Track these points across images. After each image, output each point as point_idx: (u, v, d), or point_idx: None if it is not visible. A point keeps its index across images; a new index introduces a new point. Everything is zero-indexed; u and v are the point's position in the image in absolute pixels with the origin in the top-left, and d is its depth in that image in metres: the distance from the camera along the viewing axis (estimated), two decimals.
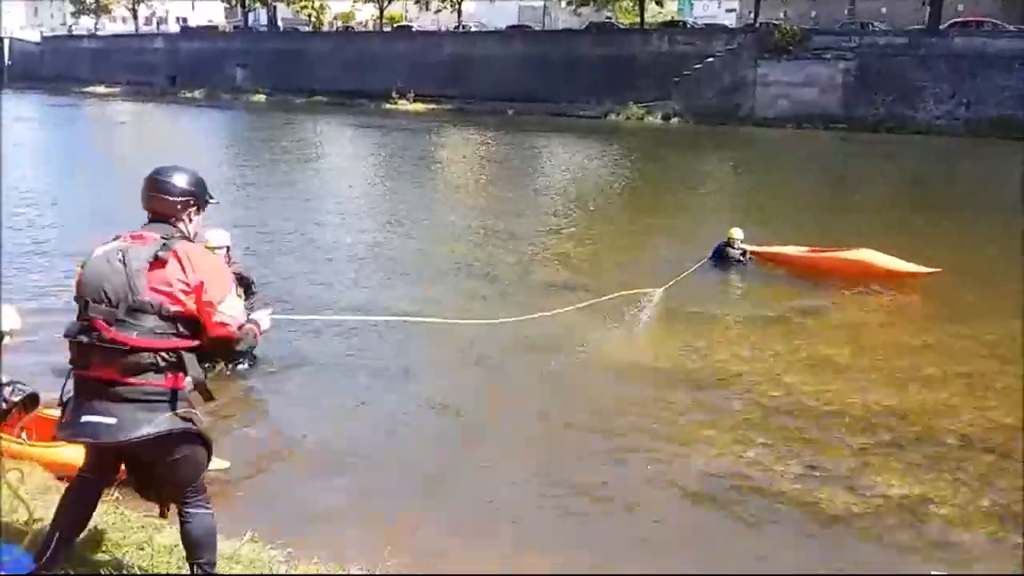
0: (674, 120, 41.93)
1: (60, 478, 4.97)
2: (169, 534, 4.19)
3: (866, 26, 45.17)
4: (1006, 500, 6.22)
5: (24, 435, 6.06)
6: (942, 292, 11.94)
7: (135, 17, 78.64)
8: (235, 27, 76.94)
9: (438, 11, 64.85)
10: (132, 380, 3.33)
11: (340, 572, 4.45)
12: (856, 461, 6.84)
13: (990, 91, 36.35)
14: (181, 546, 3.67)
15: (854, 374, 8.80)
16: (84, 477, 3.65)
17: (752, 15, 50.39)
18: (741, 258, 12.98)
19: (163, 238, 3.46)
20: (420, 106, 50.30)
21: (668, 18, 57.47)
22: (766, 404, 8.00)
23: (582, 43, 50.03)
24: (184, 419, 3.42)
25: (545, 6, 65.31)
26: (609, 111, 43.66)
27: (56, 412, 4.03)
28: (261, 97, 57.94)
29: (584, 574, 5.31)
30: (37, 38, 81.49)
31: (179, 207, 3.59)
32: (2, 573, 3.55)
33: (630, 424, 7.56)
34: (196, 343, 3.45)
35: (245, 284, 8.37)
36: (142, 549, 4.16)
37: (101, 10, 79.92)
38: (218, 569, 3.72)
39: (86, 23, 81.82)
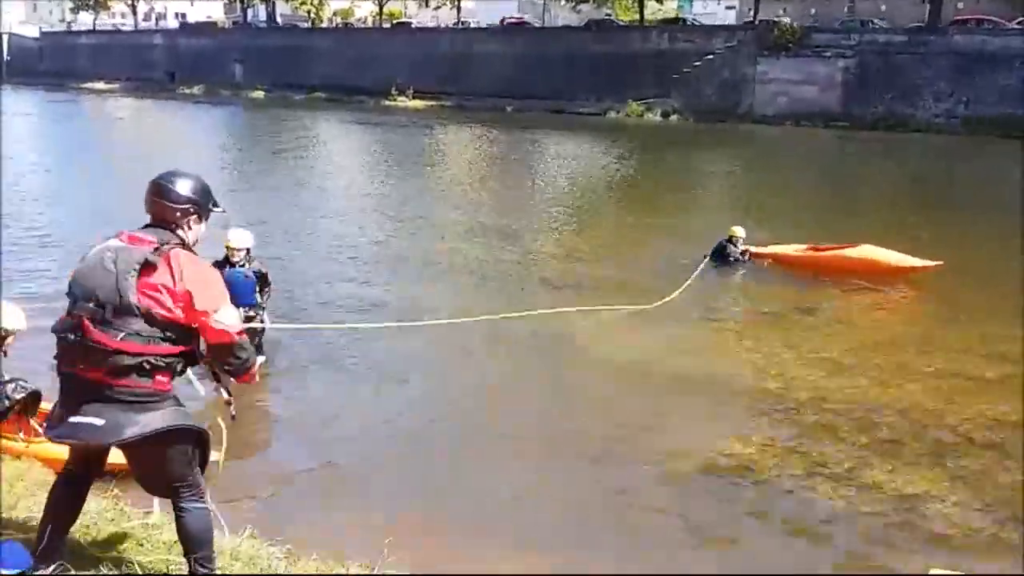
0: (673, 117, 41.90)
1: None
2: (168, 530, 4.18)
3: (866, 24, 45.10)
4: (1006, 497, 6.22)
5: (22, 432, 6.06)
6: (942, 290, 11.94)
7: (134, 13, 78.47)
8: (234, 23, 76.82)
9: (437, 7, 64.81)
10: (118, 381, 3.30)
11: (340, 569, 4.44)
12: (856, 458, 6.84)
13: (989, 89, 36.31)
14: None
15: (854, 371, 8.81)
16: (71, 471, 3.64)
17: (752, 12, 50.31)
18: (740, 256, 12.98)
19: (159, 243, 3.42)
20: (419, 103, 50.25)
21: (668, 15, 57.42)
22: (766, 401, 8.01)
23: (582, 40, 49.94)
24: (172, 418, 3.40)
25: (545, 3, 65.18)
26: (608, 108, 43.61)
27: None
28: (260, 93, 57.87)
29: (585, 574, 5.30)
30: (36, 34, 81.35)
31: (179, 214, 3.56)
32: (2, 571, 3.54)
33: (630, 422, 7.56)
34: (183, 349, 3.43)
35: (263, 280, 8.38)
36: (141, 545, 4.15)
37: (100, 6, 79.73)
38: (218, 566, 3.72)
39: (85, 19, 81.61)
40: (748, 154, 30.80)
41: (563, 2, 58.00)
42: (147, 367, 3.32)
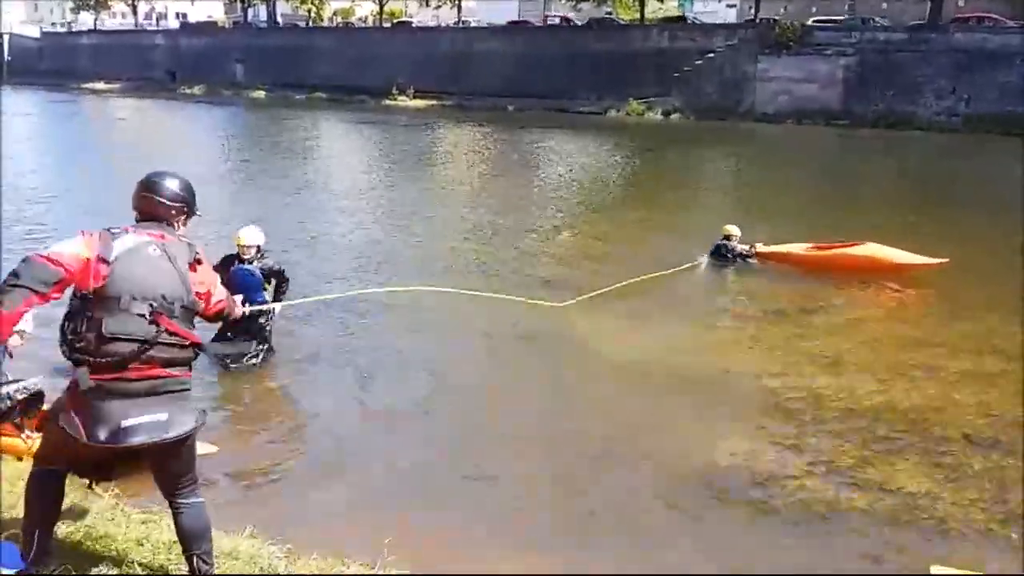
0: (674, 116, 41.89)
1: None
2: (167, 529, 4.19)
3: (867, 21, 45.08)
4: (1009, 497, 6.21)
5: (25, 432, 6.06)
6: (945, 288, 11.93)
7: (135, 13, 78.52)
8: (235, 23, 76.85)
9: (438, 7, 64.80)
10: (173, 373, 3.44)
11: (340, 568, 4.45)
12: (858, 457, 6.83)
13: (990, 87, 36.29)
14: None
15: (855, 369, 8.80)
16: (53, 470, 3.58)
17: (752, 10, 50.30)
18: (742, 254, 12.94)
19: (186, 241, 3.60)
20: (420, 102, 50.26)
21: (669, 14, 57.41)
22: (768, 400, 8.00)
23: (582, 39, 49.93)
24: (198, 410, 3.60)
25: (545, 1, 65.23)
26: (609, 107, 43.59)
27: None
28: (261, 93, 57.89)
29: (585, 574, 5.30)
30: (37, 34, 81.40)
31: (173, 211, 3.66)
32: (2, 571, 3.55)
33: (630, 422, 7.56)
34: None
35: (278, 276, 8.40)
36: (141, 544, 4.16)
37: (100, 6, 79.78)
38: (218, 565, 3.72)
39: (86, 19, 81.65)
40: (749, 152, 30.80)
41: (563, 1, 57.99)
42: (189, 357, 3.52)
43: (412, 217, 17.23)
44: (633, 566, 5.36)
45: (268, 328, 8.47)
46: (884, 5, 52.83)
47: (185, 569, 3.67)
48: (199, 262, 3.57)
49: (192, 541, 3.59)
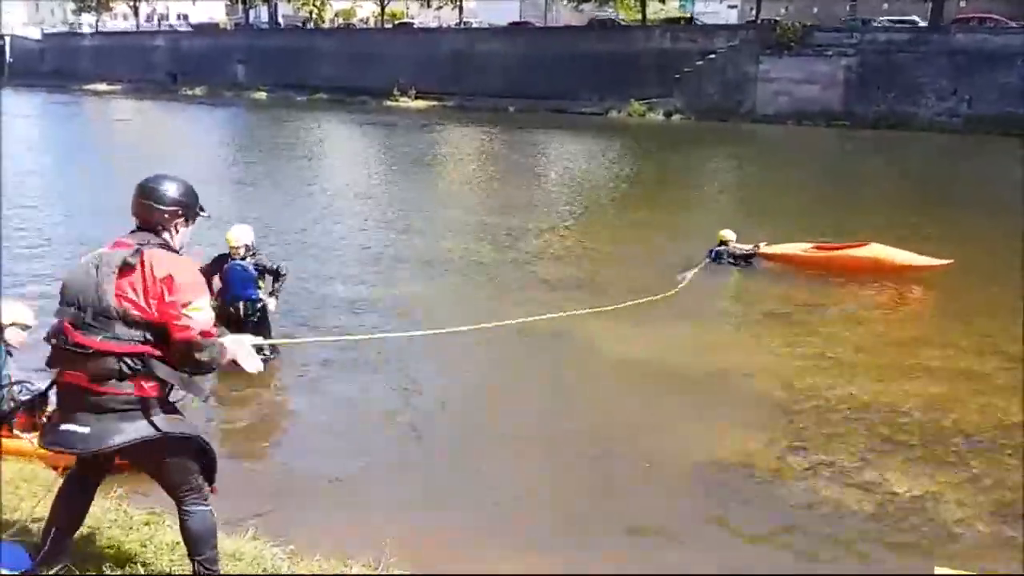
0: (676, 117, 41.89)
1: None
2: (171, 531, 4.20)
3: (868, 22, 45.09)
4: (1011, 497, 6.22)
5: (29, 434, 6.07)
6: (947, 289, 11.93)
7: (136, 14, 78.57)
8: (236, 24, 76.88)
9: (439, 8, 64.81)
10: (102, 387, 3.29)
11: (342, 570, 4.46)
12: (860, 457, 6.84)
13: (991, 88, 36.29)
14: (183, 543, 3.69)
15: (858, 370, 8.81)
16: (75, 475, 3.66)
17: (753, 11, 50.30)
18: (745, 256, 12.90)
19: (138, 244, 3.43)
20: (422, 103, 50.27)
21: (671, 15, 57.38)
22: (770, 401, 8.01)
23: (584, 40, 49.93)
24: (159, 426, 3.35)
25: (546, 2, 65.18)
26: (611, 108, 43.60)
27: None
28: (262, 94, 57.92)
29: (585, 574, 5.31)
30: (38, 35, 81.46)
31: (167, 216, 3.56)
32: (2, 571, 3.56)
33: (631, 422, 7.56)
34: (163, 350, 3.38)
35: (273, 272, 8.42)
36: (144, 546, 4.16)
37: (102, 7, 79.83)
38: (220, 566, 3.73)
39: (87, 20, 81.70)
40: (751, 153, 30.80)
41: (565, 2, 57.99)
42: (128, 371, 3.29)
43: (413, 218, 17.23)
44: (633, 566, 5.36)
45: (268, 324, 8.50)
46: (885, 6, 52.81)
47: (189, 571, 3.68)
48: (129, 268, 3.33)
49: (194, 547, 3.58)
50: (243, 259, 8.26)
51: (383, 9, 65.60)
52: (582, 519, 5.96)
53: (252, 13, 75.70)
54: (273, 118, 43.32)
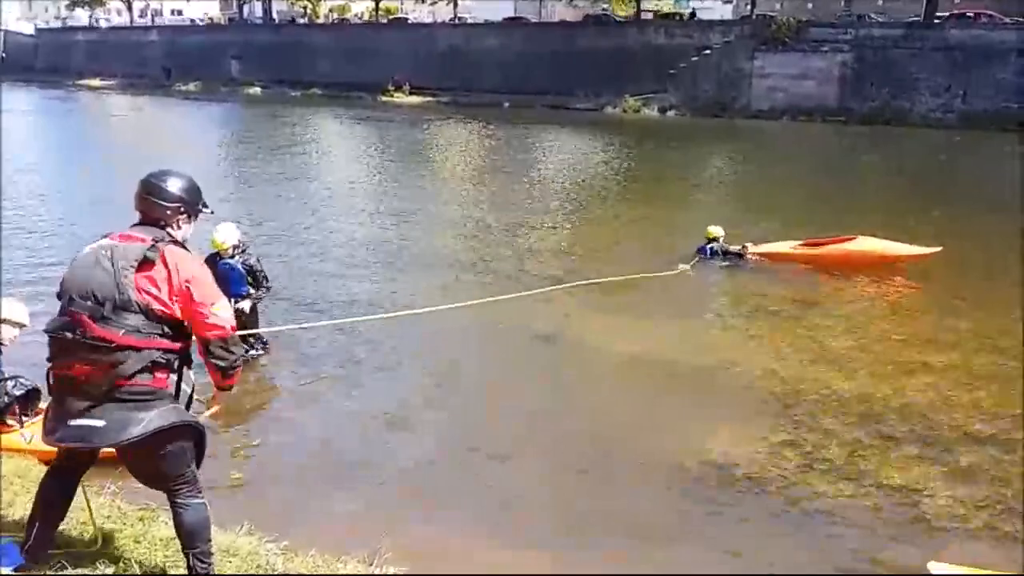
0: (670, 113, 41.85)
1: None
2: (165, 527, 4.19)
3: (863, 18, 45.08)
4: (1007, 493, 6.23)
5: (22, 429, 6.07)
6: (942, 283, 11.96)
7: (129, 9, 78.23)
8: (230, 19, 76.62)
9: (434, 3, 64.66)
10: (120, 380, 3.31)
11: (337, 566, 4.45)
12: (854, 452, 6.85)
13: (986, 83, 36.30)
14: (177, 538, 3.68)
15: (852, 365, 8.82)
16: (60, 466, 3.65)
17: (749, 7, 50.27)
18: (737, 253, 12.91)
19: (153, 240, 3.46)
20: (416, 98, 50.14)
21: (665, 11, 57.36)
22: (764, 396, 8.02)
23: (579, 36, 49.85)
24: (171, 416, 3.43)
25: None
26: (606, 104, 43.51)
27: None
28: (256, 90, 57.72)
29: (585, 574, 5.31)
30: (31, 30, 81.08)
31: (170, 212, 3.60)
32: (2, 570, 3.56)
33: (630, 420, 7.57)
34: (180, 345, 3.47)
35: (255, 276, 8.43)
36: (138, 542, 4.16)
37: (95, 3, 79.47)
38: (215, 561, 3.72)
39: (81, 16, 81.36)
40: (746, 149, 30.77)
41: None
42: (149, 364, 3.35)
43: (408, 213, 17.21)
44: (633, 566, 5.36)
45: (257, 318, 8.53)
46: (880, 2, 52.82)
47: (183, 566, 3.67)
48: (149, 262, 3.38)
49: (188, 540, 3.59)
50: (231, 258, 8.30)
51: (377, 5, 65.46)
52: (582, 519, 5.95)
53: (246, 8, 75.45)
54: (268, 114, 43.20)
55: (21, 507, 4.12)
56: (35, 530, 3.56)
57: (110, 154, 26.27)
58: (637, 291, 10.97)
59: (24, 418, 6.09)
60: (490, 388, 8.50)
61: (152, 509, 4.52)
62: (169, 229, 3.60)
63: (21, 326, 5.63)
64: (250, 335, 8.17)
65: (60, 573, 3.66)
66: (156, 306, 3.37)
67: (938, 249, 12.07)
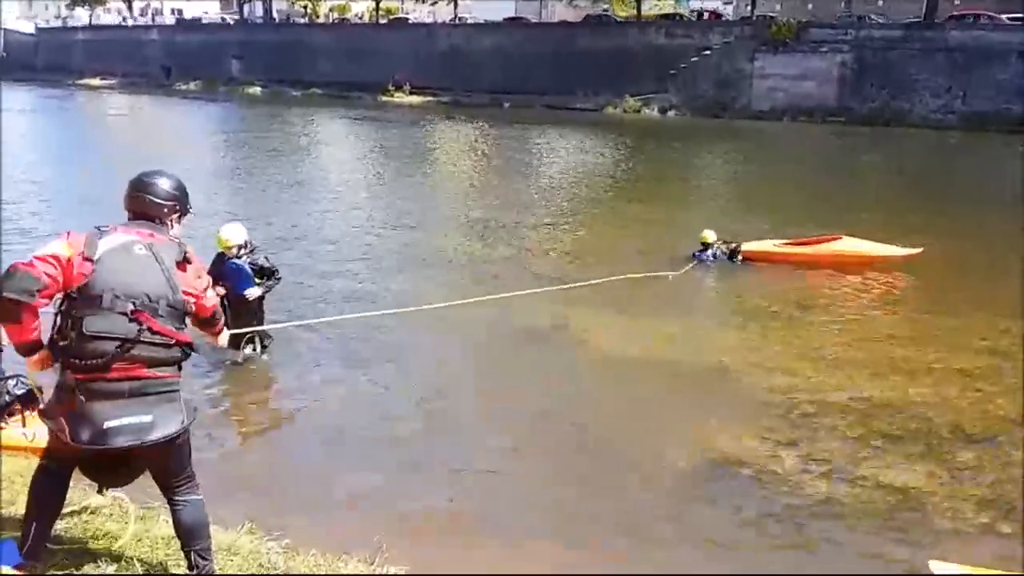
0: (671, 113, 41.85)
1: None
2: (166, 525, 4.18)
3: (863, 19, 45.07)
4: (1007, 492, 6.24)
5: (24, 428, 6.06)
6: (937, 283, 11.98)
7: (130, 9, 78.18)
8: (230, 18, 76.56)
9: (434, 3, 64.64)
10: (159, 374, 3.38)
11: (339, 565, 4.45)
12: (851, 453, 6.86)
13: (986, 84, 36.29)
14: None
15: (845, 365, 8.84)
16: (53, 465, 3.57)
17: (749, 7, 50.25)
18: (730, 255, 12.99)
19: (176, 241, 3.56)
20: (417, 98, 50.14)
21: (665, 11, 57.31)
22: (760, 397, 8.02)
23: (579, 36, 49.83)
24: (188, 408, 3.52)
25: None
26: (606, 104, 43.51)
27: None
28: (257, 89, 57.70)
29: (585, 574, 5.31)
30: (32, 29, 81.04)
31: (167, 210, 3.64)
32: (2, 570, 3.55)
33: (629, 420, 7.58)
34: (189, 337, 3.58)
35: (268, 273, 8.44)
36: (139, 540, 4.15)
37: (96, 2, 79.41)
38: (216, 561, 3.72)
39: (81, 15, 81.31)
40: (745, 149, 30.78)
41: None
42: (179, 357, 3.48)
43: (409, 213, 17.22)
44: (633, 566, 5.36)
45: (262, 314, 8.53)
46: (880, 2, 52.80)
47: (184, 565, 3.67)
48: (188, 262, 3.52)
49: (189, 538, 3.59)
50: (238, 258, 8.28)
51: (378, 5, 65.44)
52: (582, 518, 5.95)
53: (247, 8, 75.40)
54: (268, 113, 43.19)
55: (23, 505, 4.11)
56: (32, 528, 3.54)
57: (110, 154, 26.24)
58: (637, 291, 10.97)
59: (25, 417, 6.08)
60: (490, 387, 8.51)
61: (153, 508, 4.52)
62: (164, 227, 3.61)
63: None
64: (251, 332, 8.18)
65: (60, 572, 3.66)
66: (191, 302, 3.52)
67: (919, 250, 12.20)
